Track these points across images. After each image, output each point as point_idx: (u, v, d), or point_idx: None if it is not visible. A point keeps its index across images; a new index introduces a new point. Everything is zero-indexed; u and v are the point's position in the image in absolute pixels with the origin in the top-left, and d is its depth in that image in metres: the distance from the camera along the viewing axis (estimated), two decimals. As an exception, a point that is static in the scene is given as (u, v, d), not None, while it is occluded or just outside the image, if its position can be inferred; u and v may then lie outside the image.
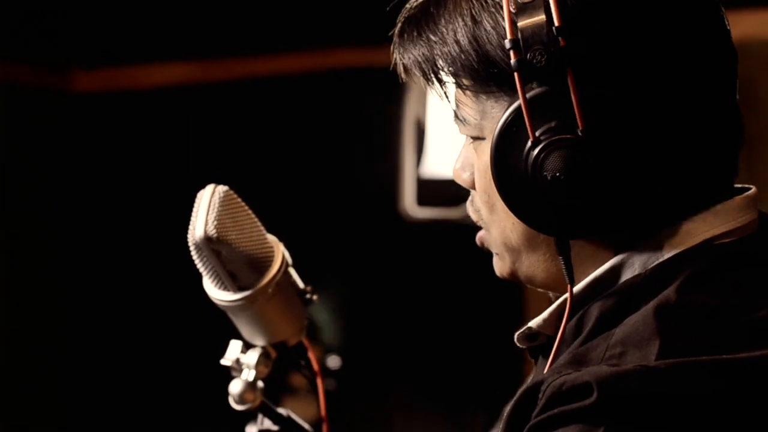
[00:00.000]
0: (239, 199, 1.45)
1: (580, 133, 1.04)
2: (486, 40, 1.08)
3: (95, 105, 4.55)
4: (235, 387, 1.49)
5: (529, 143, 1.05)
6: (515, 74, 1.04)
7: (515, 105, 1.06)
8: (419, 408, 4.15)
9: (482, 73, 1.09)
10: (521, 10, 1.05)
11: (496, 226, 1.15)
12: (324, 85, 4.27)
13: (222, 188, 1.44)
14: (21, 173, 4.39)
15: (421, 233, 3.78)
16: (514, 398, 1.04)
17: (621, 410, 0.97)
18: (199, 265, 1.43)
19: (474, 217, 1.19)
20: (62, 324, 4.44)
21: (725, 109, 1.13)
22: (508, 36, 1.04)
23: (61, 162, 4.52)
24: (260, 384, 1.50)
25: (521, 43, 1.04)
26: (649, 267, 1.09)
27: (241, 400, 1.49)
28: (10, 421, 4.31)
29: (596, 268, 1.12)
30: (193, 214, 1.42)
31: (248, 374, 1.49)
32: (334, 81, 4.24)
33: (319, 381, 1.58)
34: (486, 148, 1.11)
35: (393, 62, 1.17)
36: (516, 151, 1.07)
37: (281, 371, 1.55)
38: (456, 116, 1.14)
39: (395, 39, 1.16)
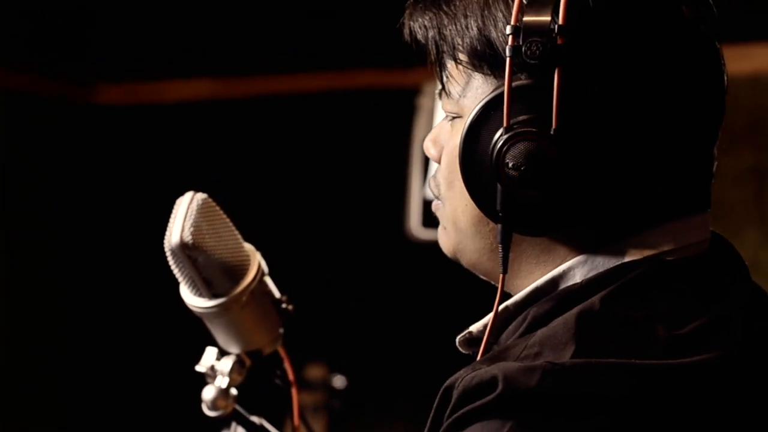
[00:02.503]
0: (217, 207, 1.46)
1: (552, 132, 1.05)
2: (493, 23, 1.10)
3: (117, 117, 4.59)
4: (208, 393, 1.50)
5: (502, 129, 1.07)
6: (507, 59, 1.06)
7: (499, 89, 1.08)
8: (423, 426, 4.14)
9: (480, 52, 1.11)
10: (532, 4, 1.07)
11: (450, 203, 1.17)
12: (335, 104, 4.30)
13: (201, 195, 1.45)
14: (42, 183, 4.43)
15: (425, 254, 3.78)
16: (436, 398, 1.05)
17: (525, 404, 0.98)
18: (175, 271, 1.45)
19: (433, 190, 1.20)
20: (62, 324, 4.47)
21: (697, 140, 1.13)
22: (512, 21, 1.07)
23: (82, 172, 4.56)
24: (234, 391, 1.51)
25: (522, 32, 1.06)
26: (589, 277, 1.10)
27: (213, 406, 1.50)
28: (10, 421, 4.33)
29: (541, 275, 1.13)
30: (171, 220, 1.44)
31: (222, 381, 1.51)
32: (346, 101, 4.27)
33: (293, 391, 1.59)
34: (460, 126, 1.12)
35: (402, 22, 1.19)
36: (487, 134, 1.08)
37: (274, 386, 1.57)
38: (443, 88, 1.16)
39: (410, 1, 1.18)
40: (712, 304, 1.08)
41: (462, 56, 1.13)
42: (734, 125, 3.70)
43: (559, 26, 1.05)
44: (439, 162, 1.19)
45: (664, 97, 1.09)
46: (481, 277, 1.20)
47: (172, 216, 1.44)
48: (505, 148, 1.07)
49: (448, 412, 1.02)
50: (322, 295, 4.33)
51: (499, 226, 1.10)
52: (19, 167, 4.34)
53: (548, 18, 1.06)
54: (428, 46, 1.16)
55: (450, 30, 1.13)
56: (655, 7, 1.10)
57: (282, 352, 1.56)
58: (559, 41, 1.05)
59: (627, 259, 1.10)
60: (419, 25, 1.16)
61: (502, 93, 1.07)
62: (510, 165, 1.06)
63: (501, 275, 1.11)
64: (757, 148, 3.70)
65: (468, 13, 1.12)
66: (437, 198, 1.20)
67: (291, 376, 1.58)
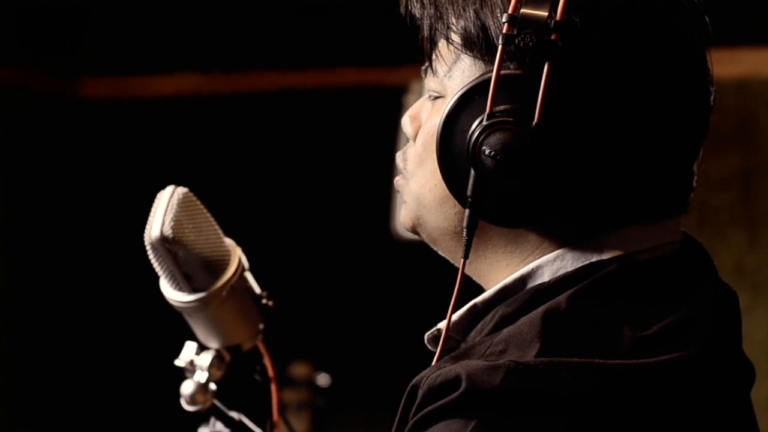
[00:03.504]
0: (198, 201, 1.45)
1: (532, 125, 1.05)
2: (490, 10, 1.10)
3: (101, 111, 4.59)
4: (187, 388, 1.50)
5: (483, 115, 1.07)
6: (499, 46, 1.06)
7: (486, 75, 1.08)
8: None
9: (473, 35, 1.11)
10: None
11: (417, 180, 1.16)
12: (322, 102, 4.29)
13: (181, 189, 1.45)
14: (26, 175, 4.42)
15: (411, 253, 3.78)
16: (403, 396, 1.05)
17: (488, 403, 0.98)
18: (155, 265, 1.44)
19: (400, 165, 1.20)
20: (49, 314, 4.46)
21: (677, 148, 1.13)
22: (510, 11, 1.06)
23: (66, 166, 4.55)
24: (213, 386, 1.51)
25: (518, 23, 1.06)
26: (557, 276, 1.10)
27: (192, 401, 1.50)
28: (10, 420, 4.32)
29: (507, 265, 1.13)
30: (151, 213, 1.43)
31: (201, 376, 1.50)
32: (332, 99, 4.27)
33: (273, 387, 1.58)
34: (442, 106, 1.12)
35: None
36: (468, 118, 1.08)
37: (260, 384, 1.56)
38: (430, 65, 1.15)
39: None
40: (678, 305, 1.08)
41: (455, 36, 1.12)
42: (721, 129, 3.70)
43: (556, 22, 1.05)
44: (414, 139, 1.18)
45: (649, 102, 1.09)
46: (440, 254, 1.20)
47: (153, 210, 1.43)
48: (483, 135, 1.07)
49: (413, 410, 1.02)
50: (306, 293, 4.33)
51: (467, 211, 1.10)
52: (4, 161, 4.33)
53: (546, 13, 1.06)
54: (422, 21, 1.16)
55: (447, 9, 1.13)
56: (650, 15, 1.10)
57: (262, 348, 1.56)
58: (553, 37, 1.05)
59: (596, 257, 1.10)
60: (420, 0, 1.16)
61: (488, 79, 1.07)
62: (486, 152, 1.06)
63: (462, 260, 1.11)
64: (743, 152, 3.71)
65: None
66: (402, 172, 1.20)
67: (271, 371, 1.57)
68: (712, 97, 1.15)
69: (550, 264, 1.11)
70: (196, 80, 4.50)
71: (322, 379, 3.91)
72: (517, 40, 1.05)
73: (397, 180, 1.21)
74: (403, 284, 4.14)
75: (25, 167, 4.41)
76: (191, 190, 1.45)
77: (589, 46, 1.07)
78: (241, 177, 4.45)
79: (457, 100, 1.10)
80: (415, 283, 3.98)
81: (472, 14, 1.11)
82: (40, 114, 4.47)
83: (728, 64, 3.66)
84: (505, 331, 1.06)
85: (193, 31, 4.47)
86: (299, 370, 3.90)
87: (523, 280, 1.12)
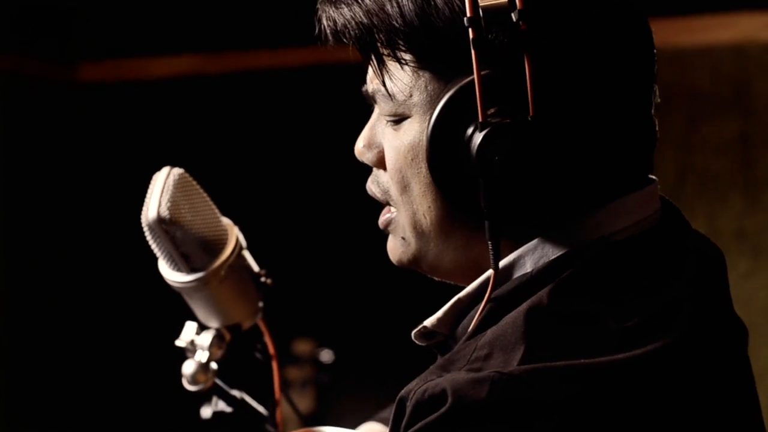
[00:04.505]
0: (194, 182, 1.45)
1: (529, 120, 1.02)
2: (435, 15, 1.05)
3: (98, 95, 4.58)
4: (188, 368, 1.50)
5: (477, 123, 1.03)
6: (473, 51, 1.02)
7: (464, 82, 1.03)
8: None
9: (430, 49, 1.06)
10: None
11: (407, 207, 1.12)
12: (318, 79, 4.28)
13: (177, 170, 1.45)
14: (25, 162, 4.41)
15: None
16: (393, 406, 1.03)
17: (476, 418, 0.97)
18: (153, 246, 1.44)
19: (380, 196, 1.16)
20: (49, 295, 4.47)
21: (643, 109, 1.11)
22: (468, 13, 1.02)
23: (65, 151, 4.54)
24: (214, 366, 1.51)
25: (482, 22, 1.02)
26: (539, 266, 1.07)
27: (193, 380, 1.50)
28: (10, 420, 4.33)
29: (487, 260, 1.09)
30: (148, 195, 1.43)
31: (201, 355, 1.51)
32: (329, 76, 4.25)
33: (274, 364, 1.58)
34: (410, 127, 1.09)
35: (319, 24, 1.12)
36: (460, 128, 1.04)
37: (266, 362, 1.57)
38: (385, 89, 1.10)
39: None
40: (660, 286, 1.06)
41: (406, 56, 1.08)
42: (719, 94, 3.70)
43: (519, 11, 1.02)
44: (379, 166, 1.14)
45: (611, 75, 1.07)
46: (437, 279, 1.17)
47: (149, 191, 1.43)
48: (485, 142, 1.02)
49: (403, 425, 1.00)
50: (309, 269, 4.33)
51: (486, 223, 1.05)
52: (2, 148, 4.32)
53: (506, 4, 1.02)
54: (362, 47, 1.10)
55: (386, 29, 1.07)
56: None
57: (262, 326, 1.56)
58: (522, 26, 1.02)
59: (578, 241, 1.07)
60: (345, 23, 1.09)
61: (465, 87, 1.03)
62: (495, 158, 1.02)
63: (493, 272, 1.07)
64: (740, 117, 3.70)
65: (403, 9, 1.07)
66: (389, 203, 1.15)
67: (271, 349, 1.58)
68: (654, 51, 1.13)
69: (531, 253, 1.08)
70: (193, 61, 4.49)
71: (326, 356, 3.92)
72: (489, 36, 1.02)
73: (386, 216, 1.16)
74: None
75: (24, 154, 4.40)
76: (191, 170, 1.45)
77: (553, 25, 1.05)
78: (240, 156, 4.45)
79: (439, 116, 1.05)
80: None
81: (419, 27, 1.06)
82: (37, 100, 4.46)
83: (725, 29, 3.65)
84: (489, 332, 1.04)
85: (189, 12, 4.45)
86: (302, 347, 3.91)
87: (506, 270, 1.09)
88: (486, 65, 1.03)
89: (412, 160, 1.09)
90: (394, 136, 1.11)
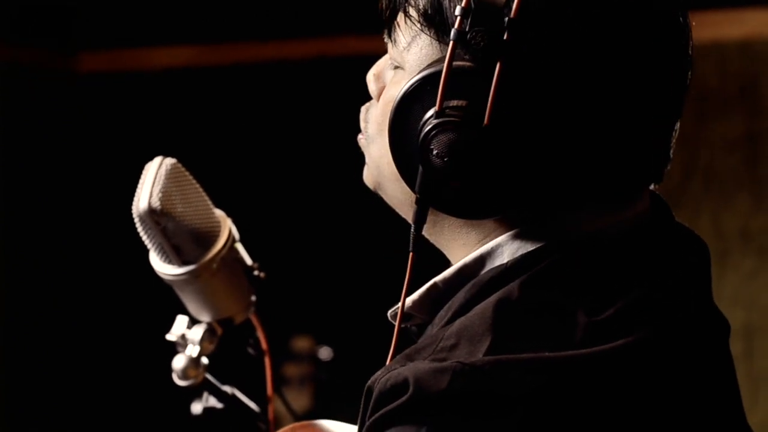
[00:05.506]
0: (187, 172, 1.43)
1: (483, 126, 1.01)
2: None
3: (98, 86, 4.57)
4: (179, 362, 1.48)
5: (433, 112, 1.03)
6: (451, 42, 1.02)
7: (439, 66, 1.03)
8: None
9: (430, 16, 1.07)
10: None
11: (378, 147, 1.13)
12: (323, 72, 4.26)
13: (169, 161, 1.43)
14: (25, 152, 4.41)
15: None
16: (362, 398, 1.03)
17: (437, 408, 0.96)
18: (144, 238, 1.42)
19: (362, 124, 1.17)
20: (48, 286, 4.46)
21: (646, 122, 1.08)
22: (462, 3, 1.02)
23: (65, 141, 4.54)
24: (204, 360, 1.49)
25: (470, 16, 1.01)
26: (515, 257, 1.06)
27: (183, 375, 1.48)
28: (10, 420, 4.32)
29: (464, 242, 1.10)
30: (139, 185, 1.41)
31: (192, 350, 1.48)
32: (332, 68, 4.24)
33: (266, 360, 1.56)
34: (400, 79, 1.09)
35: None
36: (420, 109, 1.04)
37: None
38: (389, 34, 1.12)
39: None
40: (637, 284, 1.04)
41: (413, 11, 1.09)
42: (725, 91, 3.67)
43: (510, 20, 1.01)
44: (377, 99, 1.15)
45: (607, 89, 1.05)
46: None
47: (141, 181, 1.42)
48: (432, 133, 1.02)
49: (368, 414, 1.00)
50: (307, 265, 4.31)
51: (414, 205, 1.07)
52: (2, 138, 4.31)
53: (500, 8, 1.01)
54: None
55: None
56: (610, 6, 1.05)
57: (255, 321, 1.54)
58: (505, 36, 1.00)
59: (558, 235, 1.06)
60: None
61: (441, 71, 1.03)
62: (435, 152, 1.02)
63: (410, 254, 1.09)
64: (747, 114, 3.68)
65: None
66: (363, 132, 1.17)
67: (264, 344, 1.55)
68: (686, 76, 1.10)
69: (510, 243, 1.07)
70: (192, 52, 4.47)
71: (324, 353, 3.91)
72: (468, 37, 1.01)
73: (360, 139, 1.17)
74: (405, 256, 4.12)
75: (24, 144, 4.40)
76: (190, 161, 1.44)
77: (542, 40, 1.02)
78: (239, 148, 4.43)
79: (409, 88, 1.05)
80: (418, 255, 3.96)
81: None
82: (37, 90, 4.45)
83: (732, 26, 3.63)
84: (457, 322, 1.03)
85: (189, 2, 4.44)
86: (301, 343, 3.90)
87: (483, 259, 1.08)
88: (468, 56, 1.02)
89: (388, 112, 1.09)
90: (391, 80, 1.13)
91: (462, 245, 1.10)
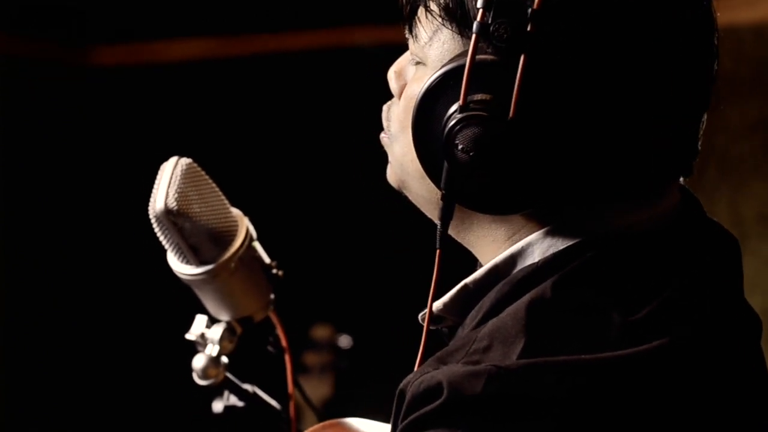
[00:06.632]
0: (202, 172, 1.44)
1: (508, 119, 1.01)
2: None
3: (114, 79, 4.57)
4: (199, 362, 1.49)
5: (457, 106, 1.02)
6: (473, 35, 1.01)
7: (462, 60, 1.03)
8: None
9: (451, 10, 1.06)
10: None
11: (400, 146, 1.13)
12: (340, 63, 4.26)
13: (185, 160, 1.43)
14: (38, 146, 4.41)
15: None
16: (395, 399, 1.02)
17: (472, 411, 0.95)
18: (161, 238, 1.43)
19: (384, 123, 1.17)
20: (56, 285, 4.47)
21: (671, 117, 1.08)
22: None
23: (80, 135, 4.54)
24: (224, 359, 1.49)
25: (493, 9, 1.01)
26: (546, 256, 1.05)
27: (204, 375, 1.49)
28: (10, 420, 4.33)
29: (494, 239, 1.10)
30: (155, 186, 1.41)
31: (212, 349, 1.48)
32: (350, 59, 4.23)
33: (287, 357, 1.56)
34: (422, 75, 1.08)
35: None
36: (443, 104, 1.04)
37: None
38: (410, 29, 1.11)
39: None
40: (669, 282, 1.04)
41: (433, 6, 1.08)
42: (741, 76, 3.65)
43: (533, 11, 1.00)
44: (398, 97, 1.14)
45: (631, 86, 1.04)
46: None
47: (156, 182, 1.42)
48: (457, 128, 1.02)
49: (400, 417, 1.00)
50: (327, 254, 4.31)
51: (440, 202, 1.06)
52: (15, 132, 4.32)
53: (523, 1, 1.01)
54: None
55: None
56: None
57: (274, 318, 1.54)
58: (529, 27, 1.00)
59: (588, 233, 1.05)
60: None
61: (464, 64, 1.02)
62: (460, 147, 1.02)
63: (437, 252, 1.08)
64: (763, 100, 3.66)
65: None
66: (386, 130, 1.16)
67: (284, 342, 1.56)
68: (713, 67, 1.09)
69: (540, 242, 1.07)
70: (208, 45, 4.47)
71: (344, 341, 3.91)
72: (491, 29, 1.00)
73: (383, 138, 1.17)
74: (424, 243, 4.12)
75: (38, 138, 4.40)
76: (205, 156, 1.44)
77: (566, 33, 1.02)
78: (256, 141, 4.43)
79: (432, 83, 1.04)
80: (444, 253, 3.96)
81: None
82: (52, 84, 4.45)
83: (746, 10, 3.61)
84: (490, 324, 1.02)
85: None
86: (321, 332, 3.89)
87: (513, 259, 1.08)
88: (490, 49, 1.02)
89: (411, 108, 1.08)
90: (413, 77, 1.12)
91: (491, 242, 1.10)
